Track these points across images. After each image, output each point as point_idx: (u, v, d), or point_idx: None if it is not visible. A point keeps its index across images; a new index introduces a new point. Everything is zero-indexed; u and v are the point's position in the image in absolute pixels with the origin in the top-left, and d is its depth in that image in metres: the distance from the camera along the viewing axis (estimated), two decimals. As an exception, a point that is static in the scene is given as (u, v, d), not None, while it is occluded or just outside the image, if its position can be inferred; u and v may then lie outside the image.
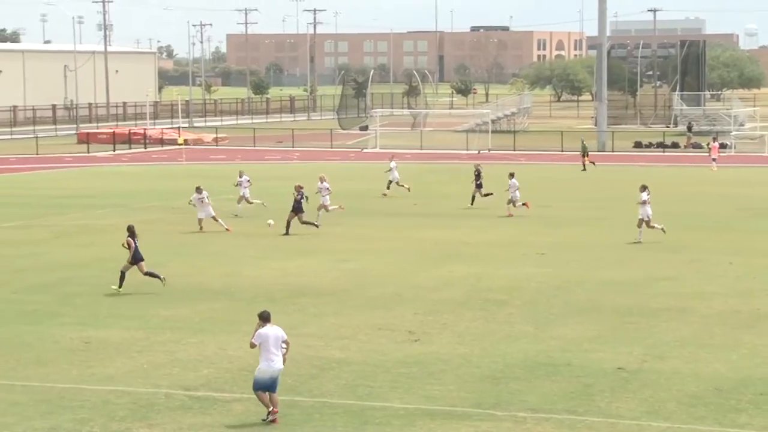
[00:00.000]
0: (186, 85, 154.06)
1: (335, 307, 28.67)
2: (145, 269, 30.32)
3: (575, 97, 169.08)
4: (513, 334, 25.64)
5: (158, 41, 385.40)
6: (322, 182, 43.80)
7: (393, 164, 54.14)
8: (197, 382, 21.73)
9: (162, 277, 30.42)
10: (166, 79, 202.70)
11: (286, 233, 40.71)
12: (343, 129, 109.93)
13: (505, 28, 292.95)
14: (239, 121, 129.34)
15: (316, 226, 41.55)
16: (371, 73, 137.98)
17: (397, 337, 25.35)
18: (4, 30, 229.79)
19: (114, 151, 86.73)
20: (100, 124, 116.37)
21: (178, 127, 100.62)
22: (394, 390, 21.21)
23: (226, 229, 41.14)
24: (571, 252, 37.08)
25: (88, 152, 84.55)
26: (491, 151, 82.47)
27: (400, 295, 30.24)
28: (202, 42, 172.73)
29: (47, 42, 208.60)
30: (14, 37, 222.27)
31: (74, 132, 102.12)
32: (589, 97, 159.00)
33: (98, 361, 23.18)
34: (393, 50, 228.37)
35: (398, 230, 42.39)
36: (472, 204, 48.63)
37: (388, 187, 53.47)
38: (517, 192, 45.94)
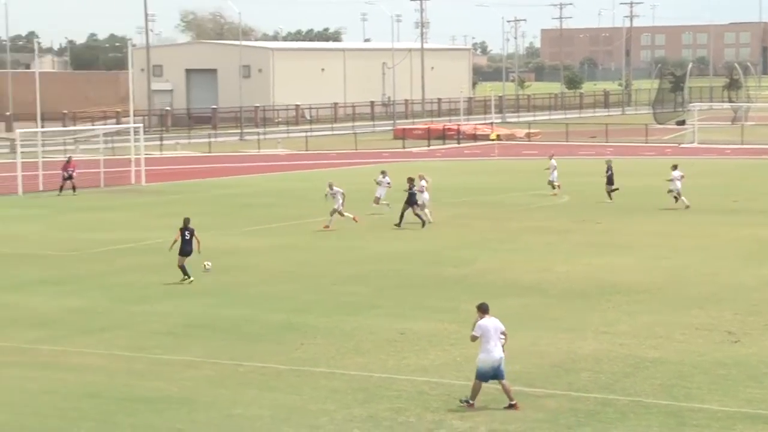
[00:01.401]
0: (499, 80, 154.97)
1: (649, 305, 28.05)
2: (181, 264, 31.24)
3: None
4: (840, 338, 24.32)
5: (473, 38, 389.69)
6: (421, 180, 43.28)
7: (553, 162, 52.42)
8: (509, 376, 21.68)
9: (190, 279, 31.05)
10: (479, 75, 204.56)
11: (399, 225, 41.38)
12: (659, 123, 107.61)
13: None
14: (552, 117, 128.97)
15: (424, 222, 41.64)
16: (689, 66, 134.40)
17: (716, 338, 24.55)
18: (326, 29, 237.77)
19: (428, 146, 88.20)
20: (415, 120, 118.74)
21: (491, 123, 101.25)
22: (712, 392, 20.53)
23: (353, 219, 41.69)
24: None
25: (404, 147, 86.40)
26: (817, 146, 78.68)
27: (718, 294, 29.28)
28: (516, 37, 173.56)
29: (367, 40, 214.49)
30: (336, 36, 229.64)
31: (391, 128, 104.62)
32: None
33: (413, 353, 23.57)
34: (713, 42, 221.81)
35: (714, 227, 41.09)
36: (610, 199, 48.60)
37: (553, 186, 51.84)
38: (678, 183, 45.93)
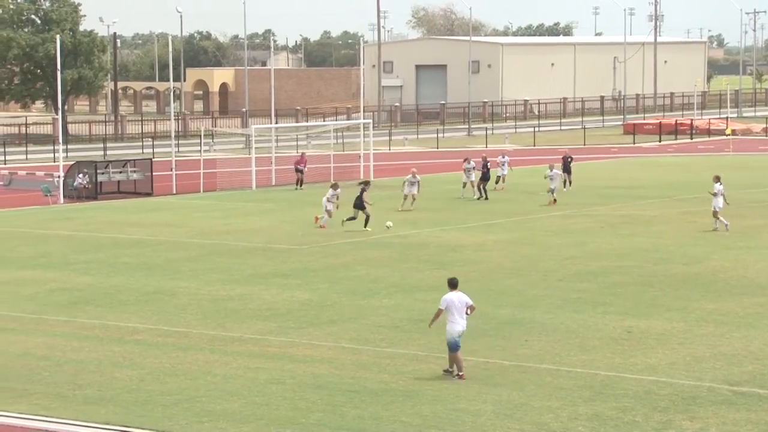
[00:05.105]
0: (736, 74, 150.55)
1: None
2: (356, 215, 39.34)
3: None
4: None
5: (709, 30, 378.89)
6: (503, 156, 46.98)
7: None
8: (741, 377, 21.05)
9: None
10: (715, 68, 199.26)
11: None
12: None
13: None
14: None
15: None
16: None
17: None
18: (557, 24, 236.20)
19: (659, 141, 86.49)
20: (646, 115, 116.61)
21: (726, 117, 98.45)
22: None
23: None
24: None
25: (634, 143, 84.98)
26: None
27: None
28: (754, 30, 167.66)
29: (598, 34, 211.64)
30: (566, 31, 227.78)
31: (620, 123, 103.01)
32: None
33: (640, 351, 23.10)
34: None
35: None
36: (481, 196, 50.64)
37: None
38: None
